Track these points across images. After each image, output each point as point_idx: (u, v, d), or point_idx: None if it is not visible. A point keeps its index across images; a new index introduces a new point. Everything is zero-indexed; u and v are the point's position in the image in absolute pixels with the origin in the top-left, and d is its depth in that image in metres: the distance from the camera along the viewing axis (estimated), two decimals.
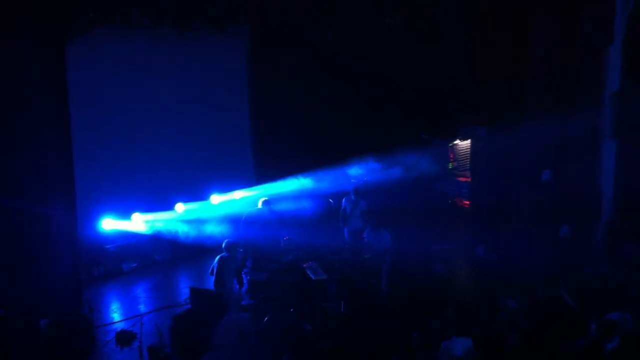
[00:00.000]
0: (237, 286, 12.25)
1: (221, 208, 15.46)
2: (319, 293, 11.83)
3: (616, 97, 13.19)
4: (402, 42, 15.40)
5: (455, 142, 15.74)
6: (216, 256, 11.55)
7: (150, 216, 14.54)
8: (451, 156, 15.94)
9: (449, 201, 15.60)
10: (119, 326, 11.48)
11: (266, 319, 11.33)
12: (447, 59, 15.04)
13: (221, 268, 11.36)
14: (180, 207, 15.20)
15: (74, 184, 11.09)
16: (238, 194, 15.74)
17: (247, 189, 16.03)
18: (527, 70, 13.59)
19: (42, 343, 9.36)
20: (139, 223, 14.32)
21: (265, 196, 14.05)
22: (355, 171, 16.08)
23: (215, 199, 15.86)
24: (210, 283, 11.96)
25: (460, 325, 8.48)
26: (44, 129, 10.55)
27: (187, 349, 9.25)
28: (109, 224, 13.89)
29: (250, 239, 13.25)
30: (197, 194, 15.92)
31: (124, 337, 11.05)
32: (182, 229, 14.57)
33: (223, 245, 11.56)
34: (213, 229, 14.43)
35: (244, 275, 13.19)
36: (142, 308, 12.30)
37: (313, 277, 12.01)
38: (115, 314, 12.23)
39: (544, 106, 13.52)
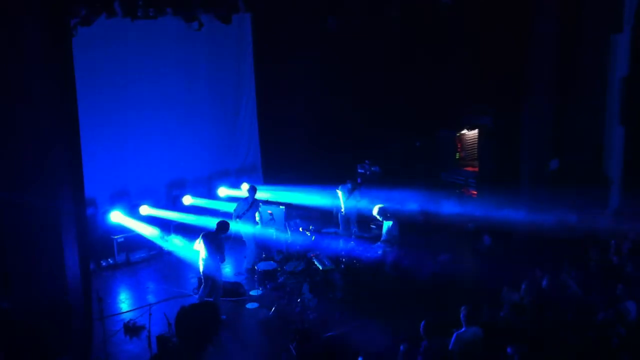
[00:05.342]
0: None
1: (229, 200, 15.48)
2: (325, 283, 11.89)
3: (624, 84, 13.13)
4: (405, 31, 15.32)
5: (463, 132, 15.69)
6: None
7: (159, 211, 14.61)
8: (459, 146, 15.89)
9: (457, 191, 15.58)
10: (128, 316, 11.56)
11: (273, 308, 11.42)
12: (451, 48, 14.93)
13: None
14: (187, 199, 15.27)
15: (82, 176, 11.09)
16: (245, 186, 15.76)
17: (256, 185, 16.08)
18: (533, 58, 13.48)
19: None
20: (147, 216, 14.41)
21: (248, 183, 14.29)
22: (364, 162, 16.10)
23: (223, 191, 15.90)
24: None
25: (469, 316, 8.54)
26: (51, 121, 10.51)
27: (194, 339, 9.42)
28: (117, 217, 13.98)
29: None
30: (205, 186, 16.03)
31: (133, 327, 11.13)
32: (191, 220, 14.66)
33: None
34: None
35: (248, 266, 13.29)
36: (151, 298, 12.35)
37: (320, 267, 12.10)
38: (124, 304, 12.28)
39: (550, 94, 13.44)
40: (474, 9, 14.23)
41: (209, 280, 11.31)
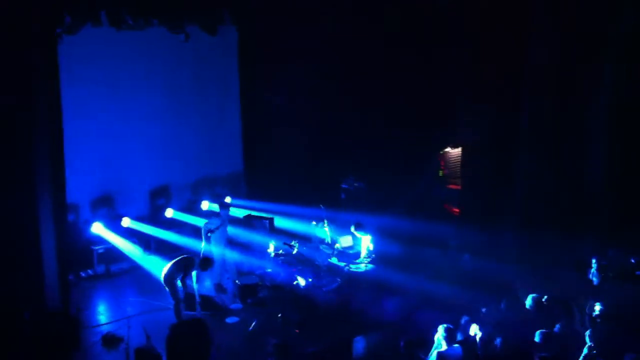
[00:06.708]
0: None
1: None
2: (306, 298, 11.85)
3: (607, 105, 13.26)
4: (402, 36, 15.11)
5: (446, 149, 15.81)
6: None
7: (140, 226, 14.55)
8: (442, 164, 15.99)
9: (439, 208, 15.64)
10: (106, 328, 11.46)
11: (253, 323, 11.35)
12: (450, 48, 14.81)
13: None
14: (169, 212, 15.21)
15: (64, 185, 11.08)
16: (228, 199, 15.74)
17: (238, 200, 16.03)
18: (533, 59, 13.65)
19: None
20: (128, 229, 14.36)
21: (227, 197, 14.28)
22: (348, 178, 16.09)
23: (206, 205, 15.84)
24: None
25: (450, 335, 8.58)
26: (35, 130, 10.54)
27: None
28: (98, 230, 13.88)
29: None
30: (190, 195, 16.06)
31: (111, 339, 11.02)
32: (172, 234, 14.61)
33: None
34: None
35: (229, 280, 13.23)
36: (130, 310, 12.24)
37: (301, 282, 12.07)
38: (102, 316, 12.17)
39: (549, 97, 13.57)
40: (474, 9, 14.20)
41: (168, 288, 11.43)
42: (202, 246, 13.00)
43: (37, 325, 9.85)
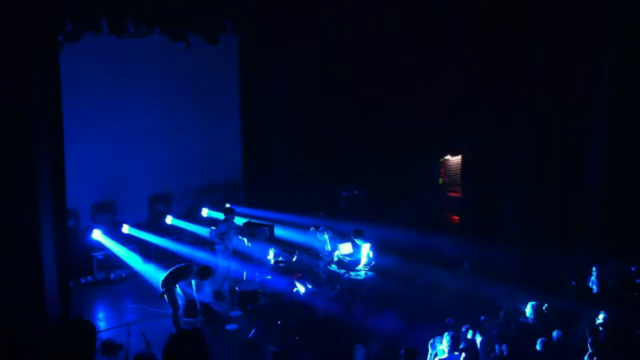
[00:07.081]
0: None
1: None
2: (306, 305, 11.84)
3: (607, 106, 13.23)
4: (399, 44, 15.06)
5: (446, 157, 15.76)
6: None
7: (140, 233, 14.51)
8: (442, 171, 15.94)
9: (439, 216, 15.61)
10: (105, 335, 11.43)
11: (253, 330, 11.34)
12: (450, 49, 14.74)
13: None
14: (169, 219, 15.21)
15: (64, 191, 11.02)
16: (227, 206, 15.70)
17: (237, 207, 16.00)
18: (523, 77, 13.63)
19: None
20: (128, 236, 14.35)
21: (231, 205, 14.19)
22: (347, 185, 16.06)
23: (206, 212, 15.83)
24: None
25: (454, 343, 8.60)
26: (36, 136, 10.48)
27: None
28: (98, 237, 13.88)
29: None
30: (190, 202, 16.03)
31: (110, 346, 10.99)
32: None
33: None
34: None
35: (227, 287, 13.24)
36: (129, 317, 12.20)
37: (301, 290, 12.06)
38: (102, 323, 12.16)
39: (539, 108, 13.54)
40: (474, 9, 14.12)
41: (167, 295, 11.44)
42: (223, 249, 13.19)
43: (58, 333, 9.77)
